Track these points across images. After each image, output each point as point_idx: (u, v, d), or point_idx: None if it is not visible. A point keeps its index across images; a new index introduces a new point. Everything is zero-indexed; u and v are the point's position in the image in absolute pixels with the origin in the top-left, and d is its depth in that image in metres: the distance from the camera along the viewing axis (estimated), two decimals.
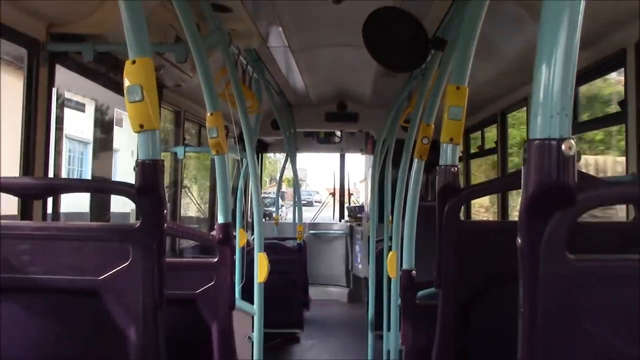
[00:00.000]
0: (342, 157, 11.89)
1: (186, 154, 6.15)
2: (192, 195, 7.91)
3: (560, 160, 1.09)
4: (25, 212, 3.31)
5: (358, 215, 11.08)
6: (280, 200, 11.21)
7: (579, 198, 1.11)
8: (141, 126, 1.79)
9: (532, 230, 1.12)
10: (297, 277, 7.61)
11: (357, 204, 11.86)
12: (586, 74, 3.70)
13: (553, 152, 1.09)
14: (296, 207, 8.61)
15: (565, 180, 1.09)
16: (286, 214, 14.33)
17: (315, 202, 16.21)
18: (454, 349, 2.25)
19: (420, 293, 3.20)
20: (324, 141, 11.16)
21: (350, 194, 12.14)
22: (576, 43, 1.10)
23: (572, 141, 1.09)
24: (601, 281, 1.14)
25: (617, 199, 1.52)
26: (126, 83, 1.79)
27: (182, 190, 6.76)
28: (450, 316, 2.25)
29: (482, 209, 8.24)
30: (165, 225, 1.84)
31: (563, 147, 1.09)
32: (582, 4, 1.10)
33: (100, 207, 4.62)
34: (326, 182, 13.90)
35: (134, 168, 1.81)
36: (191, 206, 7.92)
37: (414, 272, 3.39)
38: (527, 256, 1.12)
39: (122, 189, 1.89)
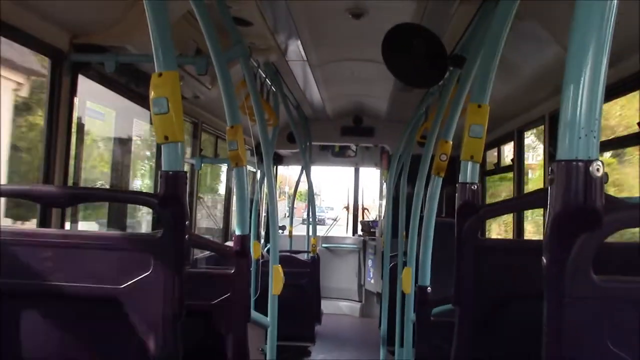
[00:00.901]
0: (357, 171, 11.89)
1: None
2: (206, 206, 7.94)
3: (587, 182, 1.09)
4: (44, 220, 3.35)
5: (371, 230, 11.05)
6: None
7: (606, 220, 1.11)
8: (166, 138, 1.81)
9: (558, 251, 1.12)
10: (309, 290, 7.59)
11: (370, 219, 11.82)
12: (606, 94, 3.68)
13: (580, 173, 1.09)
14: (310, 220, 8.62)
15: (592, 202, 1.09)
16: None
17: (329, 219, 16.06)
18: None
19: (435, 309, 3.19)
20: (339, 155, 11.18)
21: (364, 209, 12.12)
22: (605, 63, 1.10)
23: (600, 162, 1.09)
24: (627, 303, 1.14)
25: None
26: (152, 95, 1.81)
27: (198, 201, 6.80)
28: (467, 333, 2.24)
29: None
30: (187, 236, 1.86)
31: (590, 168, 1.09)
32: (612, 23, 1.11)
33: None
34: (342, 198, 13.88)
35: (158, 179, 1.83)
36: (203, 216, 7.95)
37: (429, 288, 3.37)
38: (552, 277, 1.12)
39: (145, 199, 1.91)
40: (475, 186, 2.38)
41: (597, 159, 1.10)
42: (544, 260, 1.14)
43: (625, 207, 1.18)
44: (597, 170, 1.09)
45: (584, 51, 1.10)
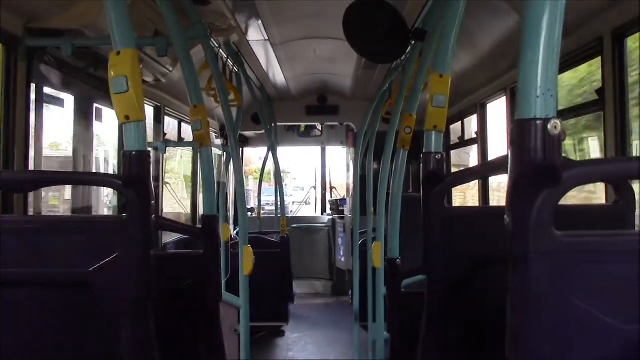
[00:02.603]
0: (323, 151, 11.91)
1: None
2: (173, 191, 7.86)
3: (545, 140, 1.11)
4: (6, 206, 3.28)
5: (340, 209, 11.10)
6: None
7: (565, 176, 1.13)
8: (127, 117, 1.78)
9: (520, 209, 1.14)
10: (281, 271, 7.62)
11: (338, 198, 11.88)
12: (565, 62, 3.75)
13: (539, 131, 1.12)
14: (278, 201, 8.63)
15: (551, 159, 1.12)
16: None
17: (295, 202, 15.80)
18: (441, 334, 2.28)
19: (405, 281, 3.24)
20: (305, 135, 11.18)
21: (332, 188, 12.16)
22: (559, 24, 1.12)
23: (558, 121, 1.11)
24: (588, 257, 1.17)
25: (602, 177, 1.55)
26: (111, 74, 1.78)
27: (164, 186, 6.73)
28: (438, 301, 2.28)
29: None
30: (153, 216, 1.84)
31: (549, 126, 1.11)
32: None
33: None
34: (310, 178, 13.84)
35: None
36: (170, 202, 7.89)
37: (398, 260, 3.42)
38: (515, 234, 1.15)
39: (108, 180, 1.88)
40: (440, 156, 2.41)
41: (555, 117, 1.12)
42: (506, 219, 1.16)
43: (582, 163, 1.21)
44: (555, 127, 1.12)
45: (541, 11, 1.12)
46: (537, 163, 1.12)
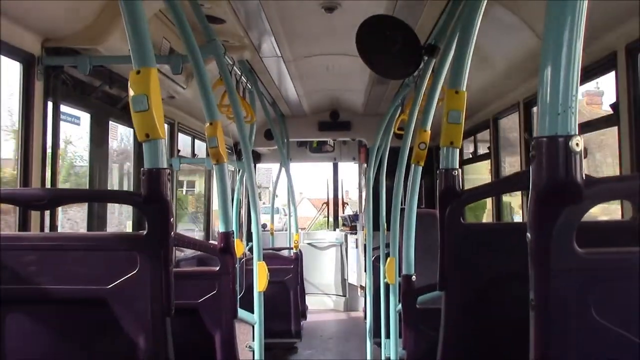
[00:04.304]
0: (335, 167, 11.91)
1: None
2: (186, 207, 7.90)
3: (567, 157, 1.11)
4: (25, 224, 3.31)
5: (352, 224, 11.08)
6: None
7: (586, 194, 1.13)
8: (147, 135, 1.80)
9: (542, 226, 1.14)
10: (293, 287, 7.60)
11: (351, 213, 11.86)
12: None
13: (560, 148, 1.12)
14: (291, 217, 8.63)
15: (573, 176, 1.12)
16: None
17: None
18: (458, 349, 2.27)
19: (421, 297, 3.22)
20: (317, 150, 11.19)
21: (344, 204, 12.14)
22: (580, 42, 1.13)
23: (579, 138, 1.12)
24: (610, 274, 1.17)
25: (623, 194, 1.54)
26: (131, 93, 1.80)
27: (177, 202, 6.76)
28: (455, 317, 2.27)
29: None
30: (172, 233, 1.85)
31: (570, 143, 1.11)
32: (585, 4, 1.13)
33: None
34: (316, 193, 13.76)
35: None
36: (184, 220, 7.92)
37: (414, 277, 3.40)
38: (537, 251, 1.14)
39: (129, 197, 1.90)
40: (456, 172, 2.40)
41: (576, 134, 1.12)
42: (529, 235, 1.16)
43: (604, 180, 1.21)
44: (577, 145, 1.12)
45: (561, 28, 1.12)
46: (559, 180, 1.12)
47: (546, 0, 1.17)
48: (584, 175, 1.14)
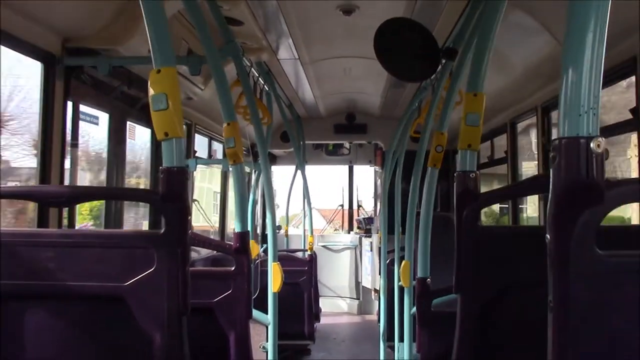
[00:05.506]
0: (351, 169, 11.90)
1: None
2: (201, 208, 7.92)
3: (589, 158, 1.11)
4: (43, 220, 3.34)
5: (367, 227, 11.06)
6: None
7: (607, 195, 1.12)
8: (166, 134, 1.81)
9: (562, 228, 1.13)
10: (307, 289, 7.60)
11: (364, 217, 11.84)
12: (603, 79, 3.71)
13: (582, 150, 1.11)
14: (306, 219, 8.63)
15: (595, 178, 1.11)
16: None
17: None
18: (473, 353, 2.25)
19: (436, 300, 3.20)
20: (333, 153, 11.19)
21: (359, 206, 12.13)
22: (603, 42, 1.12)
23: (601, 139, 1.11)
24: (631, 277, 1.15)
25: None
26: (151, 92, 1.81)
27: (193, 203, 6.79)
28: (470, 321, 2.25)
29: None
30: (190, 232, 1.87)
31: (592, 144, 1.11)
32: (609, 4, 1.12)
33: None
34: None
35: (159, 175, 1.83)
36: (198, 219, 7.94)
37: (429, 279, 3.39)
38: (557, 253, 1.13)
39: (147, 196, 1.91)
40: (474, 174, 2.39)
41: (598, 136, 1.11)
42: (548, 237, 1.15)
43: (625, 182, 1.19)
44: (598, 146, 1.11)
45: (583, 30, 1.12)
46: (580, 181, 1.11)
47: (568, 0, 1.17)
48: (605, 177, 1.13)
